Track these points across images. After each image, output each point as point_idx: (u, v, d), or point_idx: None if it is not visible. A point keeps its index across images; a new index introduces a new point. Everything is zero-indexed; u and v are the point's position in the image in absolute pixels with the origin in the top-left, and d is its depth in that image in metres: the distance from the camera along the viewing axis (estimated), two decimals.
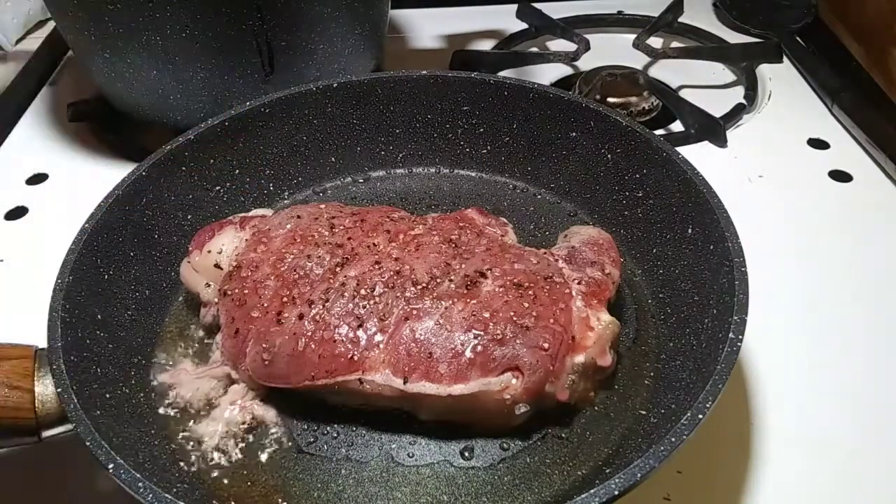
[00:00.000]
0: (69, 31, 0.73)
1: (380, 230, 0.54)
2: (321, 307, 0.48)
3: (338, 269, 0.51)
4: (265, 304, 0.49)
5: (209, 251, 0.54)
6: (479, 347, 0.46)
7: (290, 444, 0.48)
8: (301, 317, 0.48)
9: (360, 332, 0.47)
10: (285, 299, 0.49)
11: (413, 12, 1.04)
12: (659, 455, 0.38)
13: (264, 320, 0.49)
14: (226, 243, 0.54)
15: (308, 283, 0.50)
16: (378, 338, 0.47)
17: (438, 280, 0.49)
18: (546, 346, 0.46)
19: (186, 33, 0.67)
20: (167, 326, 0.56)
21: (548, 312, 0.47)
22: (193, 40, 0.67)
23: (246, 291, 0.51)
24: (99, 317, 0.50)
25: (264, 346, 0.48)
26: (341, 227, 0.54)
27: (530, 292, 0.48)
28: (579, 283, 0.50)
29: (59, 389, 0.43)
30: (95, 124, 0.83)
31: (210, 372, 0.50)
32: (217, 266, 0.54)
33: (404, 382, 0.46)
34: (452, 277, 0.49)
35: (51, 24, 1.02)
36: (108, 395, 0.47)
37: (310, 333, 0.47)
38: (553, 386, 0.46)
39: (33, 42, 1.01)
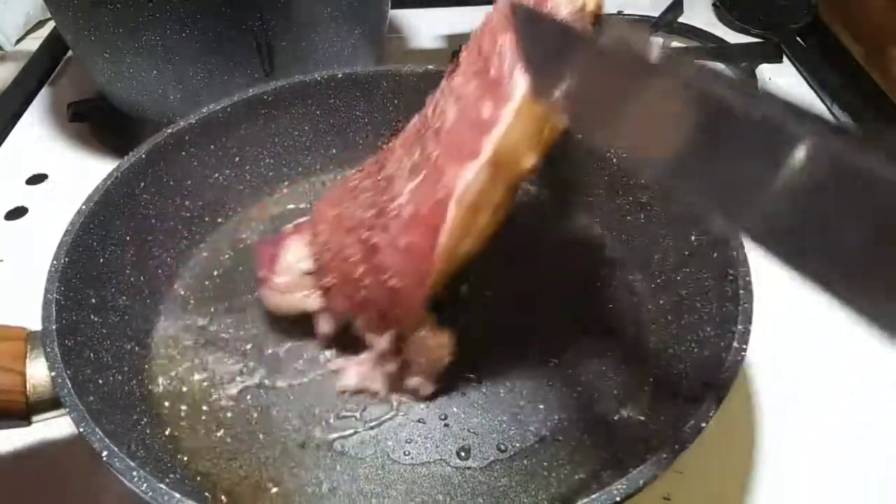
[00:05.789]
0: (69, 31, 0.73)
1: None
2: (389, 203, 0.48)
3: (380, 181, 0.51)
4: (357, 258, 0.49)
5: (289, 265, 0.53)
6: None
7: (284, 438, 0.48)
8: (385, 228, 0.47)
9: (417, 180, 0.46)
10: (365, 237, 0.48)
11: (413, 12, 1.04)
12: (662, 463, 0.38)
13: (370, 269, 0.48)
14: (298, 249, 0.54)
15: (369, 206, 0.50)
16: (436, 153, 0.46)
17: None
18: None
19: (186, 33, 0.66)
20: (162, 314, 0.55)
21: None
22: (193, 40, 0.67)
23: (341, 268, 0.50)
24: (93, 300, 0.49)
25: (383, 277, 0.47)
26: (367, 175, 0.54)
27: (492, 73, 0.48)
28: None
29: (52, 373, 0.41)
30: (95, 124, 0.83)
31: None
32: (305, 273, 0.53)
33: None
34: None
35: (51, 24, 1.02)
36: (101, 381, 0.46)
37: (406, 216, 0.46)
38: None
39: (33, 42, 1.00)
